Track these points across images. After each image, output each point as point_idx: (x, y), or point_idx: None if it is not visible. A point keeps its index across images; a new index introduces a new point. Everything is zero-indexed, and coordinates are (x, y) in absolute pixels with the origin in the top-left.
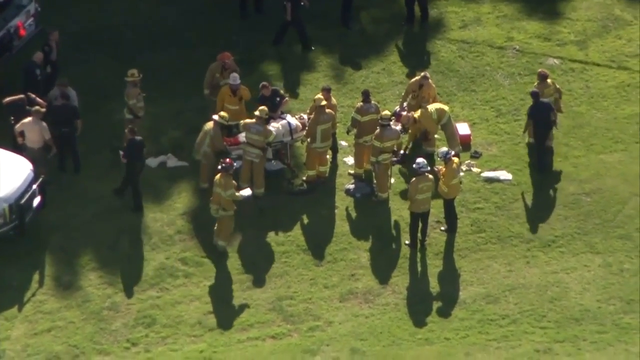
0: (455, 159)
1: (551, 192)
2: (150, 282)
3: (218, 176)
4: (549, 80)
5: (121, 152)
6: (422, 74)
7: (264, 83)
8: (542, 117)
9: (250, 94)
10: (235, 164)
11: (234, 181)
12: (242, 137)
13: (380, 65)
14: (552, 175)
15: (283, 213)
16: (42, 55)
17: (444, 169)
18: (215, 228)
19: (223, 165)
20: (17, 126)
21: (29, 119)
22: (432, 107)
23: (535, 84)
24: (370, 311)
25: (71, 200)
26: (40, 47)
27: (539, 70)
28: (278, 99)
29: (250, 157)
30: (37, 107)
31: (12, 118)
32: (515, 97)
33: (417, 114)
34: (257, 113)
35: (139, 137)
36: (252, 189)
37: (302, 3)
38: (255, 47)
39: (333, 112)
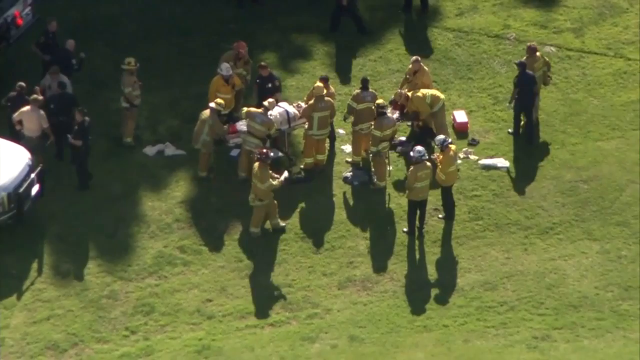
0: (453, 147)
1: (549, 179)
2: (149, 270)
3: (255, 166)
4: (538, 54)
5: (69, 136)
6: (413, 58)
7: (262, 63)
8: (527, 88)
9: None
10: (233, 152)
11: (270, 171)
12: (240, 125)
13: (377, 53)
14: (549, 162)
15: (281, 201)
16: (74, 43)
17: (441, 157)
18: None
19: (260, 155)
20: (15, 115)
21: (27, 107)
22: (427, 91)
23: (524, 57)
24: (369, 298)
25: (69, 189)
26: (43, 36)
27: (528, 43)
28: (270, 85)
29: (250, 146)
30: (34, 96)
31: (8, 104)
32: (512, 84)
33: (410, 93)
34: (265, 104)
35: (87, 119)
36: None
37: None
38: (252, 36)
39: (332, 101)
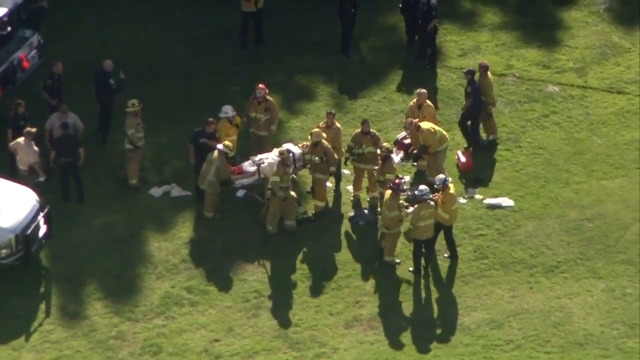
0: (452, 186)
1: (553, 218)
2: (156, 311)
3: (387, 194)
4: (489, 74)
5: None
6: (419, 90)
7: (210, 119)
8: (477, 96)
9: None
10: (239, 193)
11: (401, 202)
12: (246, 166)
13: (381, 94)
14: (553, 201)
15: (287, 241)
16: (111, 63)
17: (442, 196)
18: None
19: (392, 185)
20: (11, 144)
21: (21, 138)
22: (437, 128)
23: (477, 75)
24: (376, 337)
25: (76, 230)
26: (49, 79)
27: (480, 62)
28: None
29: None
30: (29, 129)
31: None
32: (516, 124)
33: (422, 124)
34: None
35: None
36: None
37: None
38: (256, 77)
39: (326, 144)
